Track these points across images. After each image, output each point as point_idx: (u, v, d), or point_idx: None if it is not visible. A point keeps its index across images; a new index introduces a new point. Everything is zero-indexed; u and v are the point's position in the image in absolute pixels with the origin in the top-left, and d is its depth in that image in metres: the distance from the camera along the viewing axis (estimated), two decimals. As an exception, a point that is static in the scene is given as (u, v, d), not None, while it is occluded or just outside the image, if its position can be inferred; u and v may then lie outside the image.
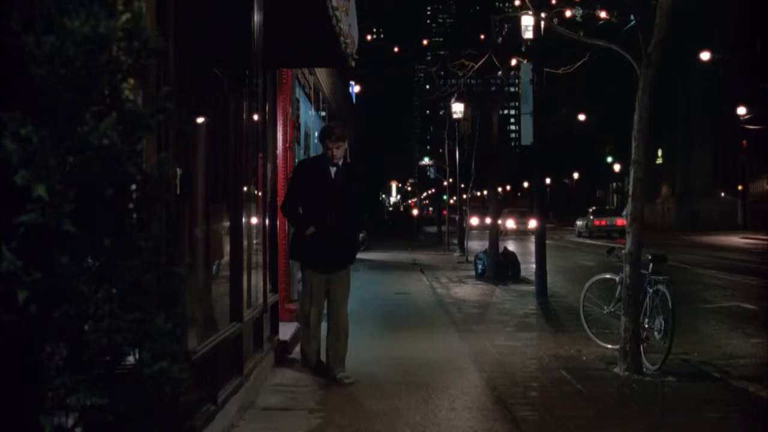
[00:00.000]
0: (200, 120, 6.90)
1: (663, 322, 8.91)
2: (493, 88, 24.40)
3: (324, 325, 8.61)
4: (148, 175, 1.90)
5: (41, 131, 1.68)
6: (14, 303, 1.63)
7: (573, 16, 10.80)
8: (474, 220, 61.91)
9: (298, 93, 13.34)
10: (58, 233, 1.69)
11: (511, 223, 53.47)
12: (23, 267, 1.63)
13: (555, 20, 10.46)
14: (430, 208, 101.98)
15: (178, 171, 5.36)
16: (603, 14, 10.20)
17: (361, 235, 37.97)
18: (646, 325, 9.08)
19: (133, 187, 1.92)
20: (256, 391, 7.57)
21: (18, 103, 1.72)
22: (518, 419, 6.73)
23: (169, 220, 2.02)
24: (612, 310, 10.22)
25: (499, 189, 27.50)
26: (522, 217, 54.97)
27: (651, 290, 9.15)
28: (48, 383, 1.73)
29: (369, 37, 39.54)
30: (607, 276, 10.55)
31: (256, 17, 8.08)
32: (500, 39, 18.39)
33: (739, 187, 57.56)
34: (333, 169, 8.36)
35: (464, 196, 34.57)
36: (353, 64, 9.92)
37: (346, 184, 8.38)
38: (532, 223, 49.02)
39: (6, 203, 1.66)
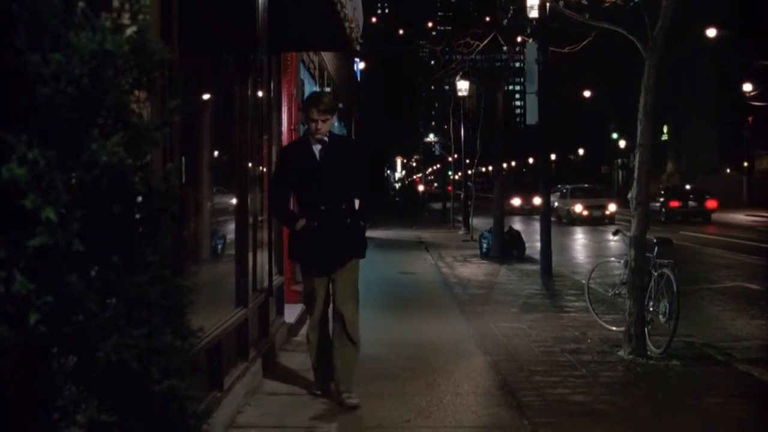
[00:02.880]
0: (205, 103, 6.93)
1: (668, 306, 8.95)
2: (498, 64, 24.32)
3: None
4: (154, 189, 1.91)
5: (48, 152, 1.68)
6: (25, 324, 1.64)
7: (579, -2, 10.75)
8: (516, 201, 47.57)
9: (303, 74, 13.31)
10: (66, 252, 1.70)
11: (579, 208, 38.32)
12: (35, 290, 1.64)
13: (561, 2, 10.42)
14: (435, 184, 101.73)
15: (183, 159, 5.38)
16: (609, -4, 10.17)
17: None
18: (651, 308, 9.12)
19: (139, 199, 1.92)
20: (261, 375, 7.59)
21: (24, 123, 1.72)
22: (522, 405, 6.76)
23: (175, 230, 2.02)
24: (617, 292, 10.25)
25: (504, 165, 27.49)
26: (593, 198, 39.92)
27: (656, 273, 9.18)
28: (57, 400, 1.74)
29: (374, 20, 39.36)
30: (612, 259, 10.59)
31: (261, 1, 8.07)
32: (505, 21, 18.30)
33: (745, 164, 57.47)
34: (317, 147, 6.94)
35: (469, 172, 34.53)
36: (358, 47, 9.87)
37: (336, 161, 6.94)
38: (612, 207, 38.44)
39: (15, 226, 1.67)
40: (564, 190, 41.15)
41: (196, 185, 6.51)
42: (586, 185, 43.81)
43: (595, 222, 37.42)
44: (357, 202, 7.14)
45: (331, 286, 7.02)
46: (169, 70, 3.72)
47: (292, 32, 9.31)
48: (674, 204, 38.19)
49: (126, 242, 1.85)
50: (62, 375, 1.75)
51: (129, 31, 1.92)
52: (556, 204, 38.03)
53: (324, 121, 6.88)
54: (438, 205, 53.82)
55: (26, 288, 1.62)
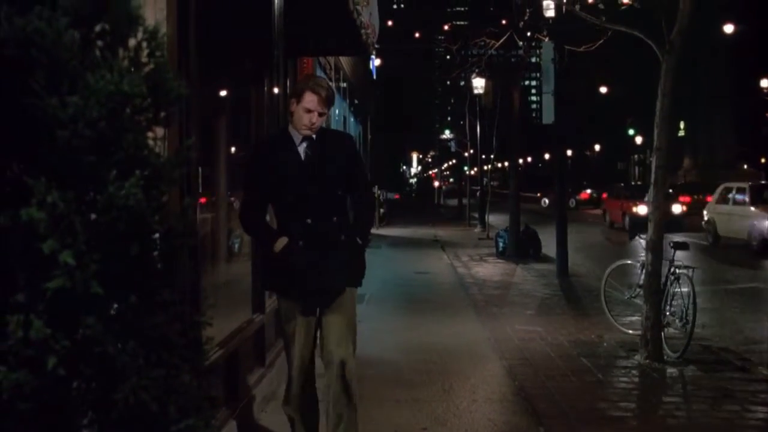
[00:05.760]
0: (223, 106, 6.97)
1: (684, 310, 8.92)
2: (513, 60, 24.30)
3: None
4: (172, 227, 1.91)
5: (66, 195, 1.69)
6: (43, 368, 1.66)
7: (595, 1, 10.71)
8: (641, 209, 26.43)
9: (319, 74, 13.32)
10: (84, 294, 1.71)
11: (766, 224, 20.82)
12: (52, 334, 1.65)
13: (577, 6, 10.38)
14: (451, 179, 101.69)
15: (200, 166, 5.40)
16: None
17: (382, 210, 36.65)
18: (668, 312, 9.08)
19: (156, 236, 1.93)
20: (278, 380, 7.59)
21: (43, 166, 1.74)
22: (539, 412, 6.75)
23: (193, 265, 2.02)
24: (633, 295, 10.22)
25: (520, 160, 27.45)
26: None
27: (673, 277, 9.15)
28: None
29: (390, 23, 39.32)
30: (629, 261, 10.56)
31: (277, 7, 8.10)
32: (522, 23, 18.27)
33: (762, 160, 57.22)
34: (302, 145, 5.20)
35: (485, 168, 34.49)
36: (374, 52, 9.87)
37: (328, 161, 5.19)
38: None
39: (33, 269, 1.68)
40: (735, 191, 23.15)
41: (213, 187, 6.56)
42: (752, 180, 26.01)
43: None
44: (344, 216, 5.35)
45: (320, 324, 5.29)
46: (186, 103, 3.75)
47: (308, 38, 9.32)
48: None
49: (144, 282, 1.86)
50: (81, 415, 1.77)
51: (146, 69, 1.93)
52: (705, 215, 24.01)
53: (321, 115, 5.19)
54: (454, 202, 53.74)
55: (43, 333, 1.63)
